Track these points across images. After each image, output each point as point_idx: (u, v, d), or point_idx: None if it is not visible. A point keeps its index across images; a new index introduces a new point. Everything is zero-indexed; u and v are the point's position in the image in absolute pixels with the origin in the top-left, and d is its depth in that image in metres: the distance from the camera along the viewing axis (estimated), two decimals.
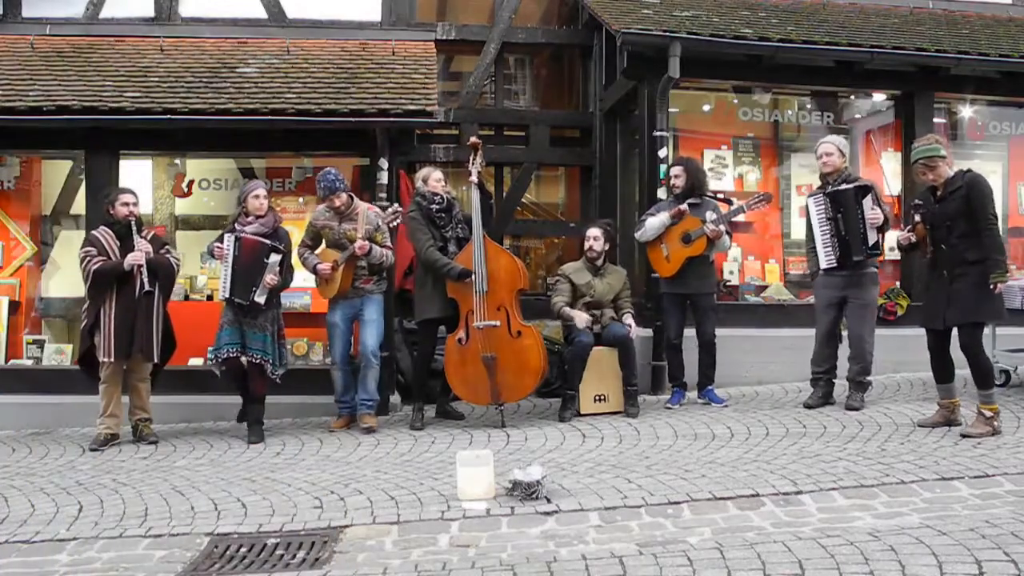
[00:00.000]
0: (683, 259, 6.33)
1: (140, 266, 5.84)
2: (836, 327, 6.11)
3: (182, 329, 6.41)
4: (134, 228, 5.94)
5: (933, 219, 5.15)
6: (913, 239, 5.23)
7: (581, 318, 6.25)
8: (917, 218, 5.21)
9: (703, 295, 6.44)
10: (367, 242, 6.06)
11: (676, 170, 6.51)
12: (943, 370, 5.26)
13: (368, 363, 6.19)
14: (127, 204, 6.00)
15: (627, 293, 6.54)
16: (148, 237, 6.07)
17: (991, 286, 4.94)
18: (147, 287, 5.85)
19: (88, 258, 5.92)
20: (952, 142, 8.32)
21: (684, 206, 6.34)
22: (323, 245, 6.29)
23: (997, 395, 5.22)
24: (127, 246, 5.92)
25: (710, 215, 6.33)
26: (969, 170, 5.15)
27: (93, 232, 6.13)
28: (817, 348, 6.18)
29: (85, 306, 6.04)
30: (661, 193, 7.17)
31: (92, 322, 5.93)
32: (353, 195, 6.36)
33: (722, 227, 6.28)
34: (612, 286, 6.47)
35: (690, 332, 6.54)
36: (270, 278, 5.93)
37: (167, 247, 6.25)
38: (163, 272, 6.01)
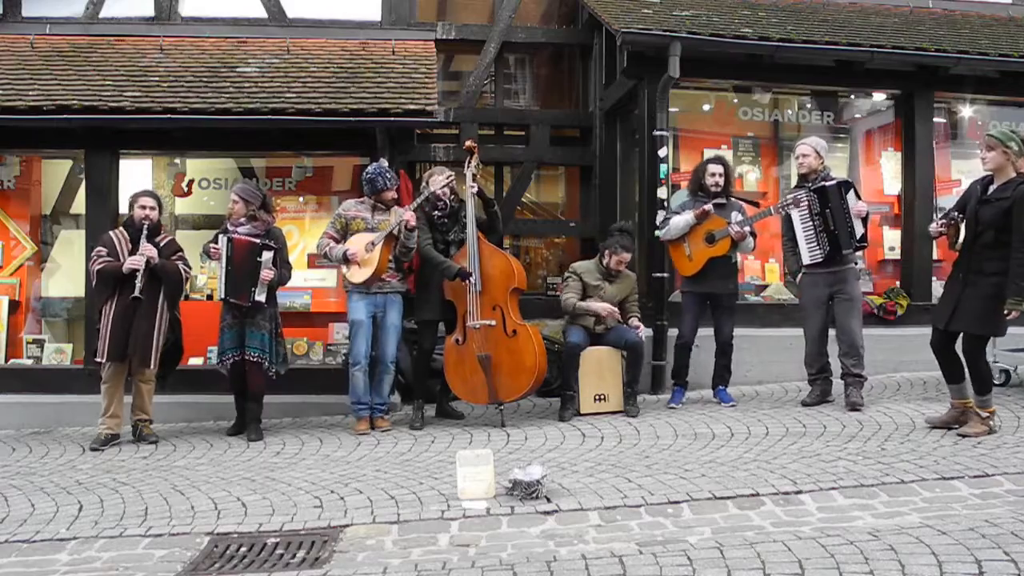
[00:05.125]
0: (706, 259, 6.33)
1: (137, 270, 5.82)
2: (826, 326, 6.13)
3: (182, 329, 6.40)
4: (144, 232, 5.94)
5: (969, 216, 5.03)
6: (943, 232, 5.15)
7: (604, 307, 6.23)
8: (951, 219, 5.10)
9: (725, 295, 6.45)
10: (414, 214, 5.98)
11: (716, 168, 6.45)
12: (950, 370, 5.19)
13: (385, 369, 6.16)
14: (144, 207, 6.03)
15: (635, 297, 6.54)
16: (163, 243, 6.08)
17: (1005, 311, 4.81)
18: (136, 292, 5.79)
19: (96, 258, 5.98)
20: (952, 142, 8.31)
21: (709, 206, 6.33)
22: (347, 237, 6.14)
23: (997, 395, 5.22)
24: (138, 249, 5.92)
25: (735, 216, 6.35)
26: None
27: (110, 232, 6.20)
28: (809, 348, 6.20)
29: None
30: (661, 193, 7.17)
31: (97, 322, 5.98)
32: None
33: (747, 228, 6.29)
34: (622, 290, 6.47)
35: (704, 332, 6.54)
36: (266, 273, 5.95)
37: (180, 254, 6.20)
38: (168, 279, 5.99)
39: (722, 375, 6.53)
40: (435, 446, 5.60)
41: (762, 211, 6.50)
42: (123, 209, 7.45)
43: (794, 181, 8.20)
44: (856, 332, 6.00)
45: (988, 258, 4.93)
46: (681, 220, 6.40)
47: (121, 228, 6.15)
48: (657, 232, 6.77)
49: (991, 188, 5.00)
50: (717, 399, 6.46)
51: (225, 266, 5.97)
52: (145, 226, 5.96)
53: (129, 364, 5.97)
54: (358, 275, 6.03)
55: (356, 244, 6.03)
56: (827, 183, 5.97)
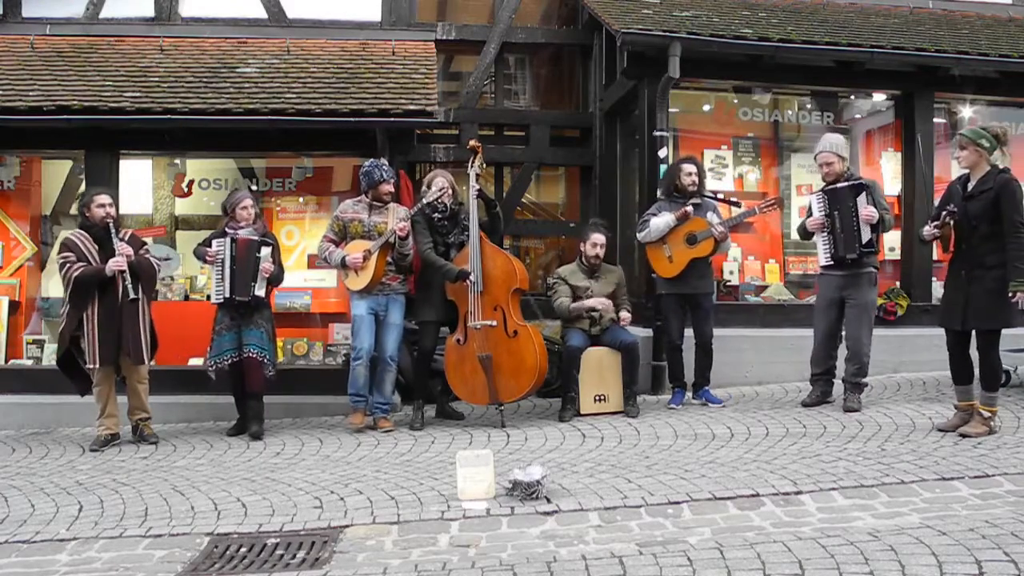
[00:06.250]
0: (688, 260, 6.32)
1: (123, 272, 5.78)
2: (836, 328, 6.09)
3: (182, 329, 6.42)
4: (112, 231, 5.84)
5: (959, 214, 5.06)
6: (937, 235, 5.16)
7: (596, 301, 6.26)
8: (945, 216, 5.08)
9: (704, 295, 6.45)
10: (407, 223, 6.00)
11: (691, 168, 6.46)
12: (962, 371, 5.20)
13: (386, 366, 6.17)
14: (103, 206, 5.90)
15: (623, 291, 6.54)
16: (126, 238, 5.99)
17: (1010, 294, 4.88)
18: (132, 294, 5.78)
19: (67, 264, 5.81)
20: (952, 142, 8.31)
21: (690, 207, 6.32)
22: (349, 239, 6.16)
23: (998, 396, 5.22)
24: (106, 249, 5.83)
25: (712, 216, 6.35)
26: (1003, 171, 5.05)
27: (69, 236, 6.02)
28: (815, 348, 6.18)
29: (63, 310, 5.94)
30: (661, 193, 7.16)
31: (74, 328, 5.84)
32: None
33: (728, 229, 6.30)
34: (609, 284, 6.48)
35: (687, 332, 6.54)
36: (267, 266, 5.98)
37: (145, 247, 6.19)
38: (145, 274, 5.96)
39: (704, 374, 6.49)
40: (435, 447, 5.60)
41: (746, 211, 6.50)
42: (126, 209, 7.44)
43: (794, 181, 8.28)
44: (863, 340, 5.94)
45: (988, 251, 4.99)
46: (661, 222, 6.37)
47: (79, 230, 5.98)
48: (638, 235, 6.73)
49: (970, 185, 5.11)
50: (702, 400, 6.43)
51: (229, 266, 5.97)
52: (110, 224, 5.86)
53: (118, 364, 5.95)
54: (356, 283, 6.07)
55: (353, 251, 6.04)
56: (839, 184, 5.93)
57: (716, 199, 6.71)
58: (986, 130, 5.11)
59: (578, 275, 6.46)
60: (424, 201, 6.09)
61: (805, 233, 6.24)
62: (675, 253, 6.37)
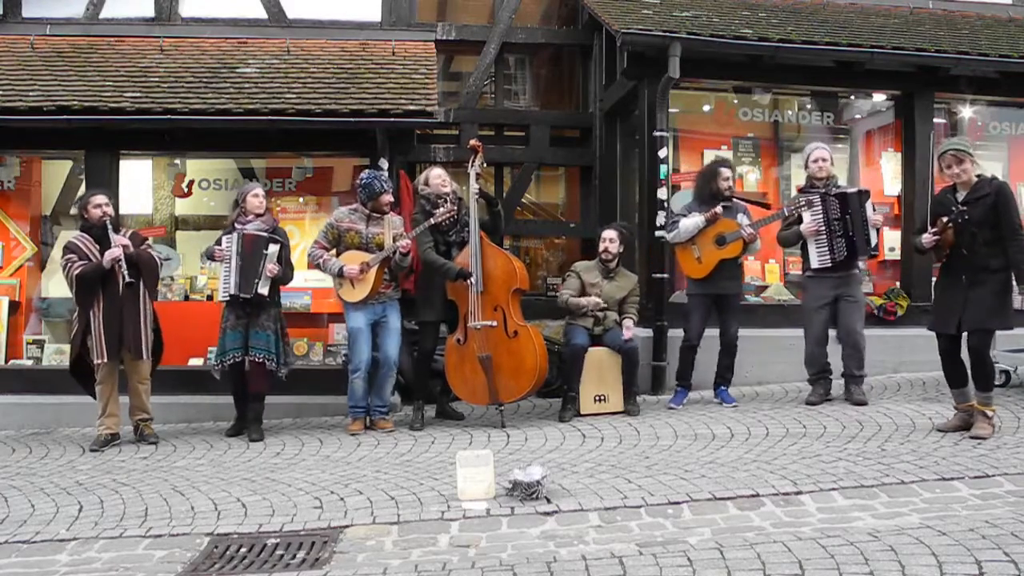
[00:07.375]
0: (716, 261, 6.32)
1: (119, 260, 5.78)
2: (827, 327, 6.17)
3: (182, 329, 6.41)
4: (109, 228, 5.87)
5: (957, 224, 5.09)
6: (937, 242, 5.15)
7: (590, 300, 6.28)
8: (946, 221, 5.08)
9: (732, 295, 6.48)
10: (409, 243, 5.99)
11: (728, 172, 6.50)
12: (956, 374, 5.21)
13: (388, 371, 6.16)
14: (99, 206, 5.93)
15: (635, 299, 6.53)
16: (127, 235, 6.01)
17: (1021, 295, 4.94)
18: (127, 278, 5.78)
19: (69, 264, 5.86)
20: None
21: (719, 209, 6.33)
22: (339, 247, 6.14)
23: (997, 395, 5.23)
24: (106, 247, 5.85)
25: (742, 218, 6.38)
26: (995, 176, 5.13)
27: (70, 239, 6.06)
28: (810, 349, 6.24)
29: (75, 314, 5.99)
30: (661, 194, 7.17)
31: (84, 328, 5.88)
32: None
33: (755, 230, 6.35)
34: (620, 288, 6.46)
35: (710, 332, 6.54)
36: (271, 267, 5.95)
37: (147, 242, 6.20)
38: (146, 267, 5.96)
39: (724, 375, 6.52)
40: (435, 447, 5.60)
41: (775, 213, 6.54)
42: (126, 209, 7.45)
43: (795, 181, 8.25)
44: (860, 334, 6.08)
45: (991, 255, 5.00)
46: (691, 223, 6.36)
47: (79, 232, 6.02)
48: (663, 234, 6.73)
49: (959, 195, 5.12)
50: (718, 399, 6.46)
51: (235, 262, 5.96)
52: (107, 222, 5.88)
53: (122, 360, 5.95)
54: (352, 295, 6.02)
55: (351, 262, 5.99)
56: (848, 190, 6.03)
57: (747, 201, 6.73)
58: (967, 140, 5.30)
59: (593, 273, 6.46)
60: (432, 222, 6.03)
61: (791, 240, 6.26)
62: (704, 254, 6.38)
